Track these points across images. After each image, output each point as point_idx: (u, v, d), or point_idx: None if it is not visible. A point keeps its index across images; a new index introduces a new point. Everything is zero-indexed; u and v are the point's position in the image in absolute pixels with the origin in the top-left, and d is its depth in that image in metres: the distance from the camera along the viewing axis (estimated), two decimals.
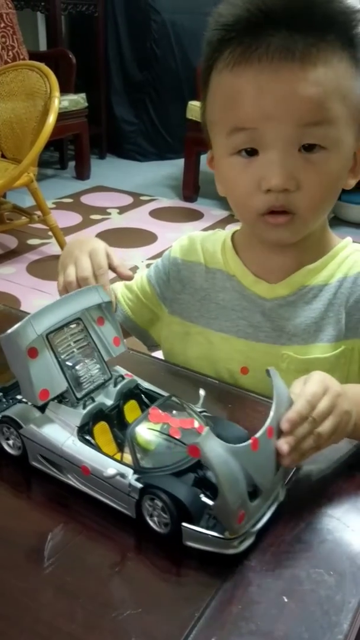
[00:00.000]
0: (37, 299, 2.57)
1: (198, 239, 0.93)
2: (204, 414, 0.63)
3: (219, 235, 0.92)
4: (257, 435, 0.53)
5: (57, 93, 2.68)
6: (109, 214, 3.62)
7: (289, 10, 0.68)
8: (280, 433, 0.56)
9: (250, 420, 0.68)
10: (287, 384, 0.80)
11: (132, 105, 4.67)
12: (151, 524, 0.56)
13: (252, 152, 0.72)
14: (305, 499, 0.61)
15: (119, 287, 0.99)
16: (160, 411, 0.60)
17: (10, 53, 3.58)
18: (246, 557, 0.54)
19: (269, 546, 0.56)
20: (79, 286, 0.74)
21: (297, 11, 0.68)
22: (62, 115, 3.28)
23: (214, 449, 0.50)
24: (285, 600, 0.51)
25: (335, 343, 0.82)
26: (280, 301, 0.83)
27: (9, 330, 0.58)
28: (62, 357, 0.61)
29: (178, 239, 0.96)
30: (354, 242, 0.87)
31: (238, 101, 0.70)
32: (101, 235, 3.26)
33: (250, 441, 0.53)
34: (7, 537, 0.58)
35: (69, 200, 3.81)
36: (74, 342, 0.63)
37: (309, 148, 0.70)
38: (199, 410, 0.63)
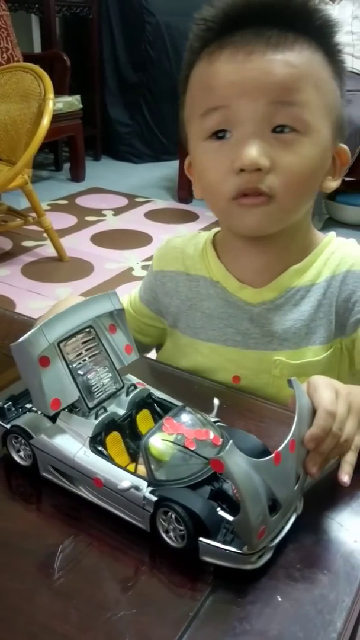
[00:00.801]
0: (32, 301, 2.56)
1: (178, 245, 0.91)
2: (219, 424, 0.62)
3: (199, 239, 0.90)
4: (280, 449, 0.52)
5: (51, 95, 2.68)
6: (104, 215, 3.60)
7: (266, 8, 0.70)
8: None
9: (262, 428, 0.67)
10: (281, 390, 0.80)
11: (127, 107, 4.66)
12: (166, 538, 0.55)
13: (224, 136, 0.71)
14: None
15: None
16: (174, 422, 0.58)
17: (4, 55, 3.56)
18: None
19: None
20: None
21: (273, 9, 0.70)
22: (57, 117, 3.26)
23: (237, 463, 0.49)
24: (280, 599, 0.51)
25: (326, 344, 0.81)
26: (268, 305, 0.81)
27: (21, 339, 0.57)
28: (74, 365, 0.60)
29: (157, 249, 0.94)
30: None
31: (212, 83, 0.71)
32: (96, 237, 3.26)
33: (273, 455, 0.52)
34: (12, 543, 0.57)
35: (64, 202, 3.79)
36: (86, 350, 0.61)
37: (281, 131, 0.70)
38: (213, 420, 0.62)
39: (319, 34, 0.72)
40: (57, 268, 2.92)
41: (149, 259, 3.11)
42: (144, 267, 2.92)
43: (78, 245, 3.15)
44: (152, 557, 0.56)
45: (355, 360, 0.82)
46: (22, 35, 4.05)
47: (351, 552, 0.56)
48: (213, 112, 0.71)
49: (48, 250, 3.04)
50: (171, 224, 3.49)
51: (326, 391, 0.60)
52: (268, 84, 0.68)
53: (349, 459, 0.61)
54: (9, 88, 2.85)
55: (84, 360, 0.61)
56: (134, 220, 3.56)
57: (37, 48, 4.45)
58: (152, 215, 3.65)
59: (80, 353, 0.61)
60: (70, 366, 0.60)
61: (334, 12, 3.26)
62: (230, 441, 0.50)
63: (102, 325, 0.63)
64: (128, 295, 0.98)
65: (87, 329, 0.62)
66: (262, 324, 0.82)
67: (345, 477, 0.60)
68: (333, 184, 0.79)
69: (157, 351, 1.00)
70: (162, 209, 3.77)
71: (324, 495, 0.62)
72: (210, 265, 0.85)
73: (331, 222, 3.50)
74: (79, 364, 0.61)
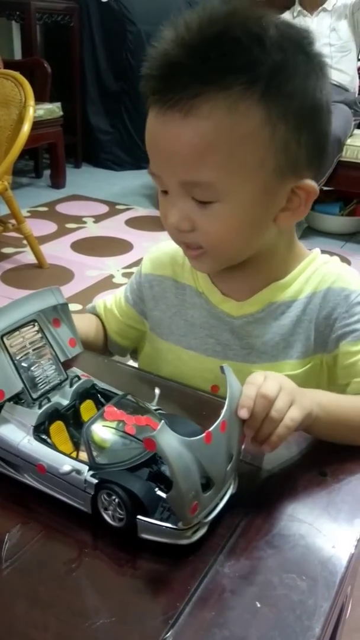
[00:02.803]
0: None
1: (169, 252, 0.92)
2: (159, 411, 0.64)
3: None
4: (211, 429, 0.54)
5: (32, 102, 2.69)
6: (85, 222, 3.62)
7: (194, 48, 0.67)
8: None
9: (203, 417, 0.69)
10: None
11: (108, 115, 4.69)
12: (107, 518, 0.57)
13: (165, 191, 0.74)
14: (276, 504, 0.62)
15: (102, 314, 0.99)
16: (115, 409, 0.61)
17: None
18: (220, 563, 0.55)
19: (241, 552, 0.56)
20: None
21: (197, 53, 0.66)
22: (37, 124, 3.28)
23: (169, 442, 0.51)
24: (259, 605, 0.52)
25: (303, 359, 0.82)
26: (249, 318, 0.83)
27: None
28: (18, 358, 0.62)
29: (149, 251, 0.96)
30: (324, 252, 0.86)
31: (147, 145, 0.74)
32: (77, 244, 3.28)
33: (204, 435, 0.54)
34: None
35: (44, 208, 3.80)
36: (30, 343, 0.63)
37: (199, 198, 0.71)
38: (154, 408, 0.64)
39: (255, 76, 0.66)
40: (37, 275, 2.92)
41: (130, 266, 3.12)
42: (125, 275, 2.94)
43: (58, 252, 3.16)
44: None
45: (337, 375, 0.83)
46: (3, 42, 4.08)
47: (329, 558, 0.57)
48: (152, 173, 0.75)
49: (28, 257, 3.05)
50: (151, 232, 3.51)
51: (255, 374, 0.63)
52: (176, 164, 0.70)
53: (279, 431, 0.61)
54: None
55: (28, 353, 0.63)
56: (114, 227, 3.58)
57: (18, 55, 4.47)
58: (132, 222, 3.67)
59: (25, 346, 0.63)
60: (14, 359, 0.62)
61: (312, 24, 3.31)
62: (163, 421, 0.52)
63: (45, 319, 0.65)
64: (113, 296, 1.00)
65: (32, 323, 0.64)
66: (242, 336, 0.83)
67: (267, 448, 0.61)
68: (292, 220, 0.77)
69: (131, 356, 1.02)
70: (143, 216, 3.79)
71: (302, 502, 0.63)
72: (197, 276, 0.87)
73: (310, 231, 3.54)
74: (23, 356, 0.63)
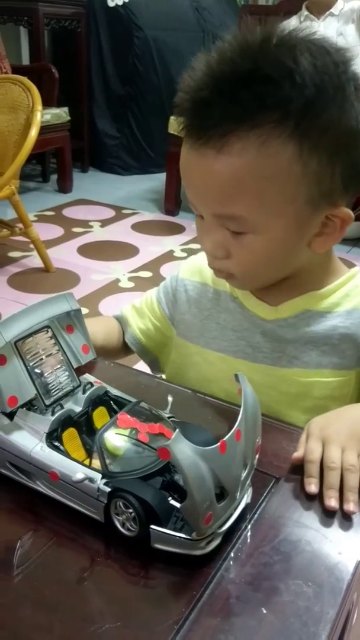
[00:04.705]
0: None
1: (206, 261, 0.92)
2: (172, 419, 0.64)
3: None
4: (226, 438, 0.54)
5: (39, 107, 2.70)
6: (91, 227, 3.62)
7: (228, 83, 0.66)
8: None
9: (216, 425, 0.69)
10: (286, 407, 0.82)
11: (115, 120, 4.70)
12: (120, 527, 0.57)
13: (201, 216, 0.76)
14: (283, 510, 0.62)
15: (129, 312, 0.99)
16: (128, 416, 0.60)
17: None
18: (226, 569, 0.55)
19: (247, 558, 0.56)
20: None
21: (231, 89, 0.66)
22: (45, 129, 3.30)
23: (183, 451, 0.51)
24: (264, 611, 0.51)
25: (339, 371, 0.82)
26: (281, 323, 0.83)
27: None
28: (31, 364, 0.62)
29: (186, 260, 0.97)
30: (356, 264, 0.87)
31: (182, 174, 0.75)
32: (83, 248, 3.28)
33: (218, 444, 0.53)
34: None
35: (51, 213, 3.81)
36: (43, 349, 0.63)
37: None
38: (167, 415, 0.64)
39: (287, 112, 0.66)
40: (43, 279, 2.93)
41: (136, 270, 3.13)
42: (131, 279, 2.94)
43: (64, 256, 3.16)
44: (137, 569, 0.56)
45: None
46: (11, 48, 4.09)
47: (335, 564, 0.56)
48: (188, 200, 0.76)
49: (34, 261, 3.05)
50: (158, 236, 3.52)
51: (311, 442, 0.66)
52: (209, 197, 0.72)
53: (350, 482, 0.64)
54: None
55: (41, 359, 0.63)
56: (120, 231, 3.58)
57: (26, 60, 4.49)
58: (138, 227, 3.67)
59: (38, 352, 0.63)
60: (28, 365, 0.62)
61: (319, 29, 3.31)
62: (177, 429, 0.52)
63: (59, 326, 0.65)
64: (142, 297, 1.01)
65: (45, 329, 0.64)
66: (274, 339, 0.83)
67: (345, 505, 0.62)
68: (326, 245, 0.76)
69: (151, 368, 1.02)
70: (149, 220, 3.80)
71: (308, 508, 0.62)
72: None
73: None
74: (36, 362, 0.63)
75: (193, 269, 0.94)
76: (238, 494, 0.57)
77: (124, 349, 0.99)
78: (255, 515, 0.60)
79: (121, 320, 1.00)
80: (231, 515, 0.57)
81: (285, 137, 0.66)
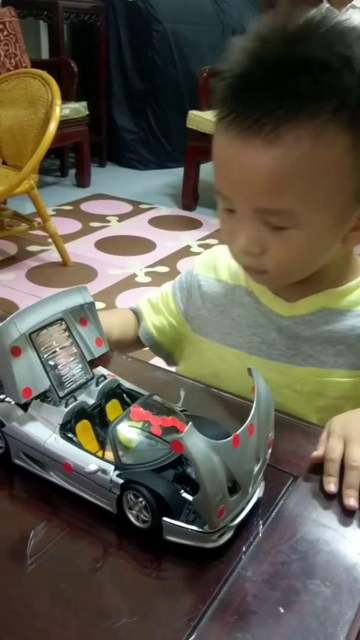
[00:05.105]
0: None
1: (220, 256, 0.91)
2: (185, 412, 0.64)
3: None
4: (238, 432, 0.54)
5: (58, 101, 2.71)
6: (109, 221, 3.64)
7: (278, 71, 0.63)
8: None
9: (229, 419, 0.69)
10: (299, 406, 0.81)
11: (133, 114, 4.71)
12: (132, 519, 0.57)
13: (232, 210, 0.72)
14: (301, 509, 0.61)
15: (145, 306, 0.99)
16: (141, 409, 0.61)
17: (12, 61, 3.62)
18: (243, 567, 0.54)
19: (265, 556, 0.56)
20: None
21: (283, 76, 0.63)
22: (63, 123, 3.30)
23: (196, 444, 0.51)
24: (282, 610, 0.51)
25: (354, 371, 0.80)
26: (298, 320, 0.81)
27: None
28: (45, 356, 0.62)
29: (200, 254, 0.96)
30: None
31: (217, 166, 0.71)
32: (100, 243, 3.29)
33: (231, 437, 0.53)
34: None
35: (69, 207, 3.83)
36: (57, 342, 0.64)
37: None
38: (179, 409, 0.64)
39: (344, 102, 0.63)
40: (61, 273, 2.95)
41: (153, 265, 3.13)
42: (147, 274, 2.95)
43: (82, 250, 3.18)
44: (154, 564, 0.56)
45: None
46: (31, 42, 4.10)
47: (354, 565, 0.55)
48: (220, 193, 0.72)
49: (52, 255, 3.07)
50: (175, 231, 3.52)
51: (332, 440, 0.66)
52: (252, 191, 0.67)
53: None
54: (16, 94, 2.89)
55: (55, 351, 0.64)
56: (138, 226, 3.59)
57: (45, 54, 4.50)
58: (156, 222, 3.68)
59: (52, 344, 0.63)
60: (42, 357, 0.62)
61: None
62: (190, 423, 0.52)
63: (72, 319, 0.66)
64: (158, 291, 1.00)
65: (59, 321, 0.64)
66: (289, 336, 0.81)
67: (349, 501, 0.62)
68: (355, 242, 0.75)
69: (167, 362, 1.01)
70: (166, 215, 3.80)
71: (326, 508, 0.62)
72: (249, 277, 0.85)
73: None
74: (50, 354, 0.63)
75: (207, 265, 0.93)
76: (250, 487, 0.57)
77: (139, 341, 0.99)
78: (273, 514, 0.60)
79: (137, 313, 1.00)
80: (243, 509, 0.57)
81: (340, 128, 0.64)
